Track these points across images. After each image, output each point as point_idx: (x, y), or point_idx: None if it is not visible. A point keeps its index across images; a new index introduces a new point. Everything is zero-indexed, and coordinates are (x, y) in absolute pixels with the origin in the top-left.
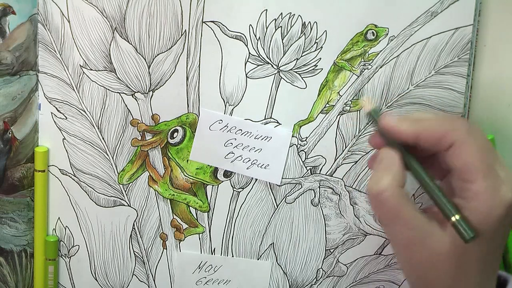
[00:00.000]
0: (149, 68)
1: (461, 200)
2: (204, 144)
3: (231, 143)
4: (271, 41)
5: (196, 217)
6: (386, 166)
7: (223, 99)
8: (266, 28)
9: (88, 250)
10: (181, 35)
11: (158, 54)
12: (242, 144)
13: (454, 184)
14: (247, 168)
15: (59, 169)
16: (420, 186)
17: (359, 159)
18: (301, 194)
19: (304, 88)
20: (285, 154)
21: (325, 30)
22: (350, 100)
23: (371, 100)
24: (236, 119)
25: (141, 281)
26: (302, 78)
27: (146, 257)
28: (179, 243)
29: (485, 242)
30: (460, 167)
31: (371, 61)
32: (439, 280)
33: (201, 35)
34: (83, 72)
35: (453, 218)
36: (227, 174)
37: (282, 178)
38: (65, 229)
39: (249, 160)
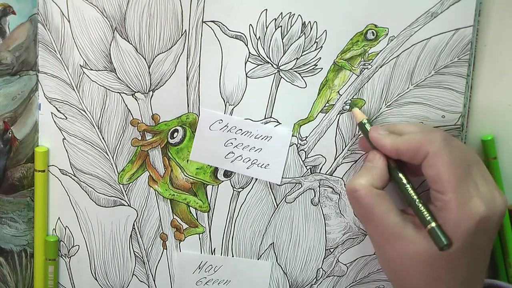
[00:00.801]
0: (149, 68)
1: (435, 208)
2: (204, 144)
3: (231, 143)
4: (271, 40)
5: (196, 217)
6: (369, 168)
7: (223, 99)
8: (266, 28)
9: (88, 250)
10: (181, 35)
11: (158, 54)
12: (242, 144)
13: (430, 192)
14: (247, 168)
15: (59, 169)
16: (401, 193)
17: (359, 158)
18: (301, 194)
19: (304, 88)
20: (285, 154)
21: (325, 30)
22: (350, 100)
23: (361, 113)
24: (236, 118)
25: (141, 281)
26: (302, 77)
27: (146, 257)
28: (179, 243)
29: (458, 253)
30: (432, 178)
31: (371, 60)
32: (410, 281)
33: (201, 35)
34: (83, 72)
35: (429, 226)
36: (227, 174)
37: (282, 177)
38: (65, 229)
39: (249, 160)
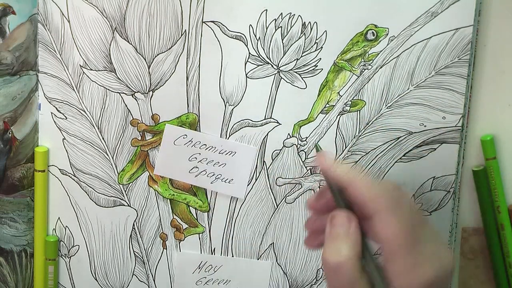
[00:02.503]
0: (149, 68)
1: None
2: (168, 159)
3: (195, 157)
4: (271, 41)
5: (196, 217)
6: (345, 233)
7: (223, 99)
8: (266, 28)
9: (88, 250)
10: (181, 35)
11: (158, 54)
12: (206, 159)
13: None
14: (211, 183)
15: (59, 169)
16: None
17: (359, 159)
18: (301, 194)
19: (304, 88)
20: (249, 169)
21: (325, 30)
22: (350, 100)
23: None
24: (200, 134)
25: (141, 281)
26: (302, 78)
27: (146, 257)
28: (179, 243)
29: None
30: (381, 243)
31: (371, 61)
32: None
33: (201, 35)
34: (83, 72)
35: None
36: None
37: (282, 178)
38: (65, 229)
39: (213, 175)
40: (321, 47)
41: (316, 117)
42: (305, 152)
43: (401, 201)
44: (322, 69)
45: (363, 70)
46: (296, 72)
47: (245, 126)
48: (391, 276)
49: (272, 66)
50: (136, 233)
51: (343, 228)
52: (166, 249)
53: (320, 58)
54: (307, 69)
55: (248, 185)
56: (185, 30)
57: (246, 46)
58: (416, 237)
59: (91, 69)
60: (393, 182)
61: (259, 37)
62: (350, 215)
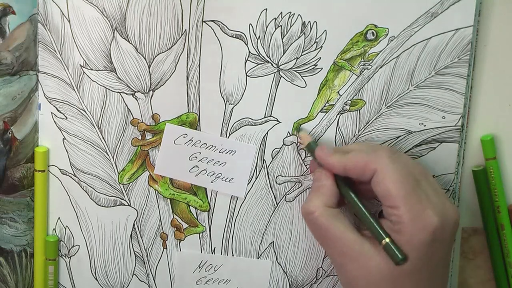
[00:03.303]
0: (149, 68)
1: (390, 223)
2: (168, 158)
3: (196, 157)
4: (271, 40)
5: (196, 217)
6: (318, 187)
7: (223, 98)
8: (266, 27)
9: (88, 250)
10: (181, 34)
11: (158, 54)
12: (207, 158)
13: (383, 209)
14: (211, 182)
15: (59, 169)
16: (353, 210)
17: None
18: (301, 193)
19: (304, 87)
20: (249, 168)
21: (325, 30)
22: (350, 100)
23: (307, 135)
24: (200, 133)
25: (141, 281)
26: (302, 77)
27: (146, 256)
28: (179, 243)
29: (417, 265)
30: (382, 194)
31: (371, 61)
32: None
33: (201, 35)
34: (83, 72)
35: (383, 242)
36: None
37: (282, 176)
38: (65, 229)
39: (213, 174)
40: (321, 46)
41: (316, 116)
42: (305, 151)
43: (398, 159)
44: (322, 68)
45: (363, 69)
46: (296, 71)
47: (245, 125)
48: (396, 227)
49: (272, 64)
50: (136, 233)
51: (317, 182)
52: (166, 248)
53: (320, 57)
54: (307, 68)
55: (248, 183)
56: (185, 30)
57: (246, 45)
58: (418, 187)
59: (92, 69)
60: (385, 146)
61: (259, 36)
62: (325, 172)
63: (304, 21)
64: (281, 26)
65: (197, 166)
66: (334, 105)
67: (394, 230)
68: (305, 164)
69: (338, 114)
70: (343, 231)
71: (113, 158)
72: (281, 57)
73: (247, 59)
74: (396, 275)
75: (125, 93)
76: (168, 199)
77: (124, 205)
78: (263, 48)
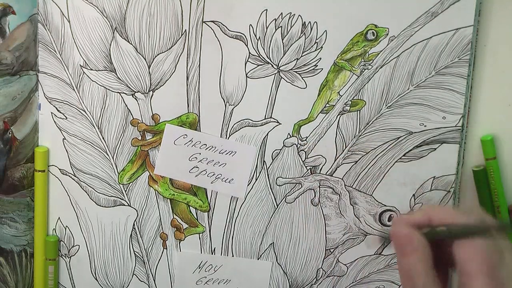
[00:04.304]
0: (149, 68)
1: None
2: (168, 159)
3: (196, 157)
4: (271, 41)
5: (196, 217)
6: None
7: (223, 99)
8: (266, 28)
9: (88, 250)
10: (181, 35)
11: (158, 54)
12: (207, 159)
13: (458, 275)
14: (211, 183)
15: (59, 169)
16: None
17: (359, 159)
18: (301, 194)
19: (304, 88)
20: (249, 169)
21: (325, 30)
22: (350, 100)
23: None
24: (200, 134)
25: (141, 281)
26: (302, 78)
27: (146, 257)
28: (179, 243)
29: None
30: (457, 264)
31: (371, 61)
32: None
33: (201, 35)
34: (83, 72)
35: None
36: None
37: (282, 177)
38: (65, 229)
39: (213, 175)
40: (321, 47)
41: (316, 117)
42: (305, 152)
43: (500, 269)
44: (322, 69)
45: (363, 70)
46: (296, 71)
47: (245, 126)
48: None
49: (272, 66)
50: (136, 233)
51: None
52: (166, 249)
53: (320, 58)
54: (307, 68)
55: (248, 185)
56: (185, 30)
57: (246, 46)
58: (496, 262)
59: (91, 69)
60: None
61: (259, 37)
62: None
63: (305, 22)
64: (281, 26)
65: (197, 167)
66: (334, 105)
67: None
68: (305, 165)
69: (338, 114)
70: None
71: (113, 158)
72: (281, 58)
73: (247, 60)
74: None
75: (125, 93)
76: (168, 199)
77: (124, 205)
78: (263, 49)
